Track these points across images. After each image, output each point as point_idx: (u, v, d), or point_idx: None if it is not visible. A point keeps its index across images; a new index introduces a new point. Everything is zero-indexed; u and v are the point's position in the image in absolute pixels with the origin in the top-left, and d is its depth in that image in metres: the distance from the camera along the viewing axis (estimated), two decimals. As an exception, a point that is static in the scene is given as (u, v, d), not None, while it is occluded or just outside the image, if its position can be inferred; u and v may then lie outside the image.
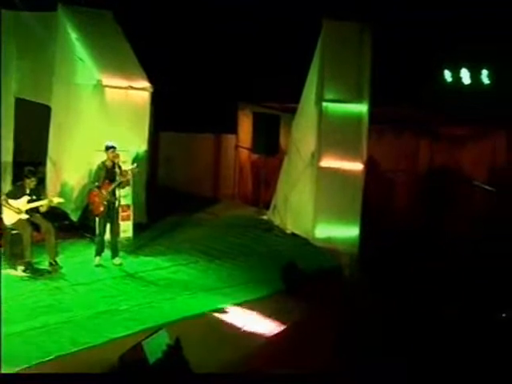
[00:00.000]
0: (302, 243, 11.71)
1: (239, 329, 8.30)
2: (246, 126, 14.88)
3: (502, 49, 11.94)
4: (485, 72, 12.58)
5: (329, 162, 11.71)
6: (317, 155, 11.71)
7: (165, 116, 13.41)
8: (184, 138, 15.29)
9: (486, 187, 12.00)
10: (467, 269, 11.12)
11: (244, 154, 15.25)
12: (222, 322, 8.48)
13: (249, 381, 6.80)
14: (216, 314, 8.65)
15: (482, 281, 10.61)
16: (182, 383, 6.57)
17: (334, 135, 11.70)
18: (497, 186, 12.39)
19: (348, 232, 11.60)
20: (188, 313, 8.54)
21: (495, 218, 12.88)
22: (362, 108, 11.76)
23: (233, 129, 15.56)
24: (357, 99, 11.76)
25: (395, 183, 14.20)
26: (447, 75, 12.72)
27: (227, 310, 8.82)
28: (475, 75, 12.59)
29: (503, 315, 8.89)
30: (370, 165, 12.55)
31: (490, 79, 12.45)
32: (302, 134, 12.30)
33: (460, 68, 12.58)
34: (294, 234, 12.14)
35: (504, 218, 12.75)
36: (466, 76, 12.65)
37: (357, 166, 11.74)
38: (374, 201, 12.88)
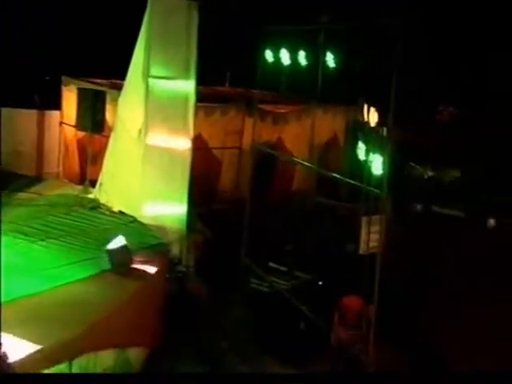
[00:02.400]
0: (130, 221, 11.62)
1: (67, 309, 8.14)
2: (70, 102, 14.40)
3: (318, 31, 12.62)
4: (302, 53, 13.26)
5: (156, 139, 11.69)
6: (144, 132, 11.64)
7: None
8: (4, 113, 14.47)
9: (306, 164, 12.66)
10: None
11: (69, 131, 14.79)
12: (47, 303, 8.26)
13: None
14: (41, 296, 8.40)
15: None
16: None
17: (161, 112, 11.68)
18: (316, 162, 13.16)
19: (176, 209, 11.69)
20: (7, 297, 8.16)
21: (314, 194, 13.69)
22: (189, 85, 11.82)
23: (57, 105, 15.01)
24: (184, 76, 11.80)
25: (222, 160, 14.55)
26: (268, 55, 13.19)
27: (52, 291, 8.58)
28: (294, 56, 13.21)
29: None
30: (198, 142, 12.72)
31: (307, 60, 13.12)
32: (129, 111, 12.16)
33: (280, 48, 13.12)
34: (121, 212, 12.03)
35: (322, 194, 13.59)
36: (285, 56, 13.22)
37: (184, 144, 11.84)
38: (202, 178, 13.10)
